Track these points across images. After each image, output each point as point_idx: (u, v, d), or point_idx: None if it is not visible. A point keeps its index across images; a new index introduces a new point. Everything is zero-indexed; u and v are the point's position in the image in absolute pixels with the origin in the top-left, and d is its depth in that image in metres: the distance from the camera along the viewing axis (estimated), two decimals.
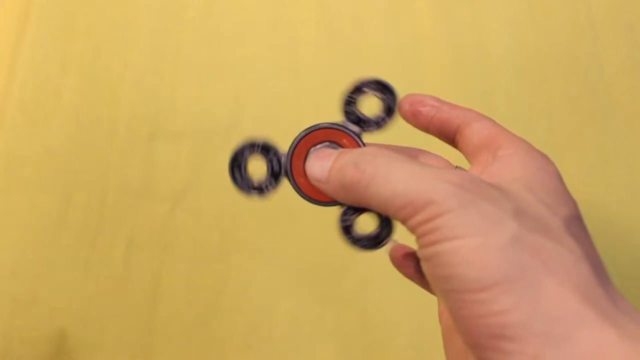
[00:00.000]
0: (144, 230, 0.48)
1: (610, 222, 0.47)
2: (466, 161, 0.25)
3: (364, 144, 0.25)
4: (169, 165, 0.51)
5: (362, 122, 0.25)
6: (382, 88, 0.25)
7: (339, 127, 0.25)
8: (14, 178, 0.50)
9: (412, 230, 0.20)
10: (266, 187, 0.26)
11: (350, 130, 0.25)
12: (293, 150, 0.25)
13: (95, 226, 0.49)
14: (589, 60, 0.54)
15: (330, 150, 0.24)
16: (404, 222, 0.20)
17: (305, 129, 0.25)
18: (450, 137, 0.25)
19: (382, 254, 0.47)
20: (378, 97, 0.25)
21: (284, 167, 0.25)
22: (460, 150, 0.25)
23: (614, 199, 0.48)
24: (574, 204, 0.21)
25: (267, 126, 0.52)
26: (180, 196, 0.49)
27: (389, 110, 0.25)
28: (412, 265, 0.28)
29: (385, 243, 0.25)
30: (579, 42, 0.55)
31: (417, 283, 0.28)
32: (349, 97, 0.25)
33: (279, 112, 0.52)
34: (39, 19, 0.56)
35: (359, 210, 0.24)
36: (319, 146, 0.25)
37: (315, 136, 0.25)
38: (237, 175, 0.26)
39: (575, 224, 0.21)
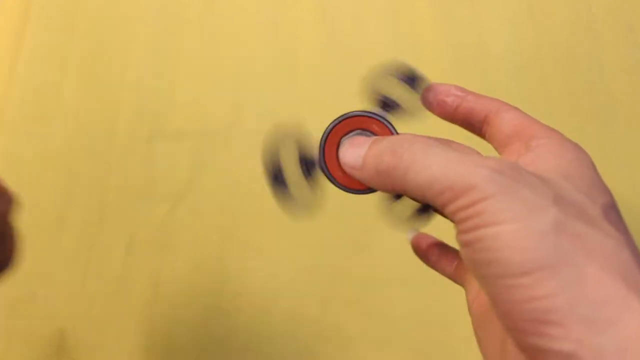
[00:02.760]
0: (144, 230, 0.48)
1: None
2: (494, 152, 0.25)
3: (397, 132, 0.25)
4: (169, 165, 0.51)
5: (390, 108, 0.25)
6: (411, 77, 0.25)
7: (371, 115, 0.25)
8: (14, 178, 0.50)
9: (451, 215, 0.20)
10: (302, 182, 0.25)
11: (383, 117, 0.25)
12: (326, 139, 0.25)
13: (95, 226, 0.49)
14: (589, 60, 0.54)
15: (363, 138, 0.24)
16: (442, 207, 0.20)
17: (337, 118, 0.25)
18: (477, 127, 0.25)
19: (380, 252, 0.47)
20: (407, 86, 0.25)
21: (317, 157, 0.25)
22: (488, 140, 0.25)
23: (615, 198, 0.48)
24: (609, 193, 0.22)
25: (267, 126, 0.52)
26: (180, 196, 0.49)
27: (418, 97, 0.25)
28: (435, 253, 0.28)
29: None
30: (579, 42, 0.55)
31: (439, 271, 0.28)
32: (376, 83, 0.25)
33: (279, 112, 0.52)
34: (39, 19, 0.56)
35: (397, 197, 0.24)
36: (351, 134, 0.25)
37: (347, 124, 0.25)
38: (279, 186, 0.25)
39: (613, 212, 0.21)
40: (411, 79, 0.24)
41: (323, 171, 0.25)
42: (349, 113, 0.25)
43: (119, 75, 0.54)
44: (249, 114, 0.52)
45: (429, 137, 0.23)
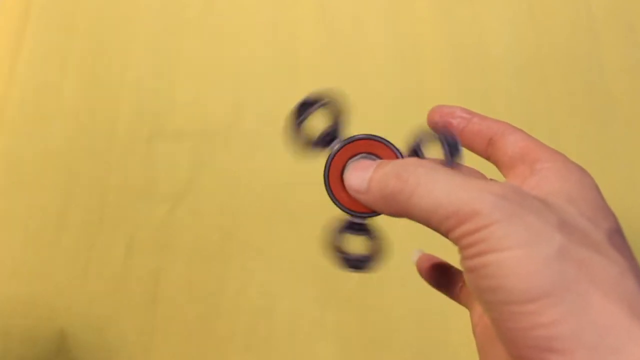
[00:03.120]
0: (144, 230, 0.48)
1: None
2: (498, 174, 0.25)
3: (402, 156, 0.25)
4: (169, 165, 0.51)
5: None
6: (454, 146, 0.24)
7: (376, 139, 0.25)
8: (14, 178, 0.50)
9: (455, 241, 0.20)
10: None
11: (388, 141, 0.25)
12: (330, 162, 0.25)
13: (95, 226, 0.49)
14: (589, 60, 0.54)
15: (368, 162, 0.24)
16: (447, 233, 0.20)
17: (342, 140, 0.25)
18: (482, 149, 0.25)
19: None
20: (445, 150, 0.25)
21: (324, 179, 0.25)
22: (493, 162, 0.25)
23: (614, 199, 0.48)
24: (614, 217, 0.22)
25: (267, 126, 0.52)
26: (180, 196, 0.49)
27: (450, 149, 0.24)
28: (439, 275, 0.29)
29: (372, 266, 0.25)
30: (579, 42, 0.55)
31: (444, 292, 0.28)
32: (419, 136, 0.24)
33: (279, 112, 0.52)
34: (39, 19, 0.56)
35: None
36: (355, 157, 0.25)
37: (352, 148, 0.25)
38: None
39: (617, 237, 0.21)
40: (453, 147, 0.24)
41: (328, 194, 0.25)
42: (354, 136, 0.25)
43: (119, 75, 0.54)
44: (249, 114, 0.52)
45: (435, 160, 0.23)
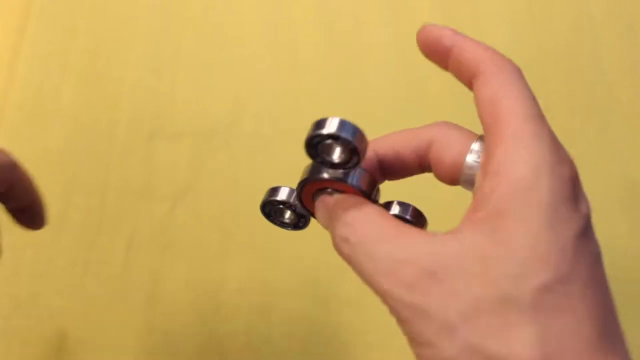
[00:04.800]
0: (144, 230, 0.48)
1: (610, 222, 0.47)
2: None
3: (360, 187, 0.23)
4: (169, 165, 0.51)
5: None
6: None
7: (330, 180, 0.24)
8: None
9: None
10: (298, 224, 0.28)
11: (343, 180, 0.24)
12: (300, 196, 0.25)
13: (95, 226, 0.49)
14: (589, 60, 0.54)
15: (328, 200, 0.24)
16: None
17: (299, 183, 0.25)
18: (468, 84, 0.23)
19: None
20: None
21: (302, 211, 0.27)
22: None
23: (614, 199, 0.48)
24: (550, 268, 0.17)
25: (267, 126, 0.52)
26: (180, 196, 0.49)
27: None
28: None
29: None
30: (579, 42, 0.55)
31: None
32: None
33: (279, 112, 0.52)
34: (39, 19, 0.56)
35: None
36: (320, 191, 0.25)
37: (313, 185, 0.25)
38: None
39: (550, 296, 0.17)
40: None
41: (308, 213, 0.27)
42: (308, 178, 0.24)
43: (119, 75, 0.54)
44: (249, 114, 0.52)
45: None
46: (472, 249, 0.18)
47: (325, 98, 0.53)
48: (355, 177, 0.23)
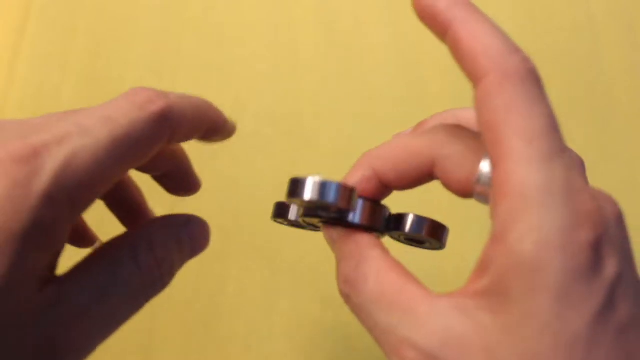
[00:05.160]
0: None
1: None
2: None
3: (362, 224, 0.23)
4: None
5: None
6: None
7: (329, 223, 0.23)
8: None
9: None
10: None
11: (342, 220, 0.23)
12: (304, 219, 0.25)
13: (95, 226, 0.49)
14: (589, 60, 0.54)
15: (331, 233, 0.24)
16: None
17: (297, 210, 0.24)
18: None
19: None
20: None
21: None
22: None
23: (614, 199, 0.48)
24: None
25: (267, 126, 0.52)
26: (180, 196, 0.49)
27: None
28: None
29: None
30: (579, 42, 0.55)
31: None
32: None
33: (279, 112, 0.52)
34: (39, 19, 0.56)
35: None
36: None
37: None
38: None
39: None
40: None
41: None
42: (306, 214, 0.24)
43: (119, 75, 0.54)
44: (249, 114, 0.52)
45: (386, 261, 0.22)
46: (475, 334, 0.16)
47: (325, 98, 0.53)
48: (357, 216, 0.22)
